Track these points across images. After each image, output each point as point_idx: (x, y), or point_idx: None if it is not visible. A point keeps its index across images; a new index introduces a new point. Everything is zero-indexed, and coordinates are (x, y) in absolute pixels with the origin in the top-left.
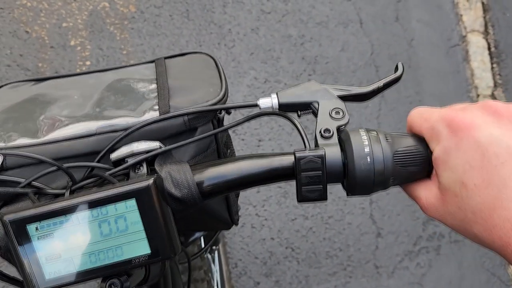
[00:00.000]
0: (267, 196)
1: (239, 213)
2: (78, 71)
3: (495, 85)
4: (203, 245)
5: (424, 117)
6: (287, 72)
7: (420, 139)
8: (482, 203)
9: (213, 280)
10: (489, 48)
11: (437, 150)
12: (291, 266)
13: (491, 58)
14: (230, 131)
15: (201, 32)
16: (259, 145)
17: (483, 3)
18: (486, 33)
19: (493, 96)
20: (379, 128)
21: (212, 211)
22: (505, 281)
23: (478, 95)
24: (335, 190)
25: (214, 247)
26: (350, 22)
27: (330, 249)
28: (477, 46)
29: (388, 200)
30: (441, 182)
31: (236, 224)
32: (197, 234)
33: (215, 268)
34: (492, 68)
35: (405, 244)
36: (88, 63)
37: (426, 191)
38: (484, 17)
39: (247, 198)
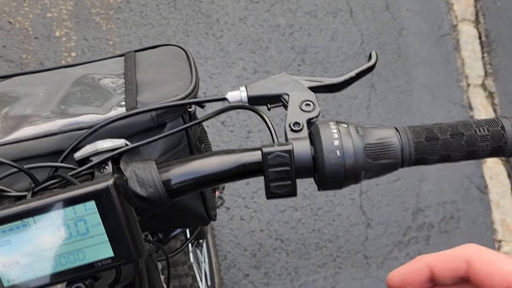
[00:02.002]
0: (256, 188)
1: (228, 206)
2: (45, 67)
3: (486, 74)
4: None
5: None
6: (276, 62)
7: (393, 131)
8: None
9: (201, 273)
10: (480, 37)
11: None
12: (281, 258)
13: (482, 47)
14: (218, 122)
15: (189, 22)
16: (248, 136)
17: None
18: (477, 22)
19: (483, 86)
20: (369, 121)
21: (186, 207)
22: None
23: (468, 85)
24: None
25: (201, 240)
26: (339, 11)
27: (319, 240)
28: (468, 35)
29: (378, 191)
30: None
31: (214, 220)
32: (177, 230)
33: (203, 260)
34: (483, 57)
35: (394, 234)
36: (73, 54)
37: None
38: (475, 6)
39: (236, 190)
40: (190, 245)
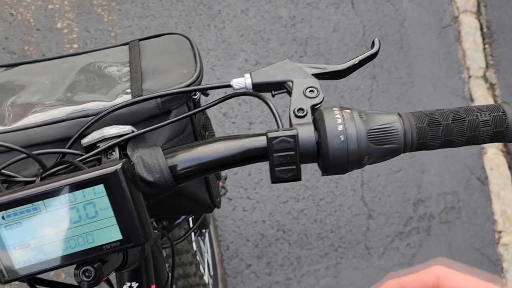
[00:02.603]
0: (258, 179)
1: (230, 197)
2: (51, 56)
3: (487, 66)
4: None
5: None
6: (277, 54)
7: (395, 117)
8: None
9: (204, 262)
10: (481, 29)
11: None
12: (283, 248)
13: (483, 38)
14: (220, 114)
15: (190, 13)
16: (250, 128)
17: None
18: (478, 13)
19: (484, 77)
20: (371, 108)
21: (191, 194)
22: (494, 261)
23: (470, 76)
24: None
25: (203, 230)
26: (341, 2)
27: (321, 230)
28: (470, 26)
29: (379, 182)
30: None
31: (218, 207)
32: (182, 218)
33: (206, 250)
34: (484, 49)
35: (395, 225)
36: (75, 45)
37: None
38: None
39: (238, 181)
40: (193, 234)
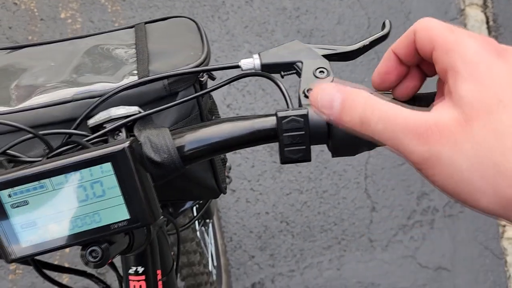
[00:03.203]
0: (262, 170)
1: (234, 188)
2: (56, 38)
3: None
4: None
5: (451, 28)
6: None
7: None
8: None
9: (208, 251)
10: (487, 22)
11: (460, 63)
12: (286, 240)
13: (489, 32)
14: (224, 105)
15: (194, 4)
16: None
17: None
18: (484, 6)
19: None
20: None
21: (198, 178)
22: (498, 254)
23: None
24: (330, 165)
25: (207, 220)
26: None
27: (324, 223)
28: (476, 19)
29: (383, 175)
30: (464, 98)
31: (224, 193)
32: (187, 205)
33: (209, 241)
34: None
35: (399, 218)
36: None
37: (436, 112)
38: None
39: (242, 172)
40: (197, 223)
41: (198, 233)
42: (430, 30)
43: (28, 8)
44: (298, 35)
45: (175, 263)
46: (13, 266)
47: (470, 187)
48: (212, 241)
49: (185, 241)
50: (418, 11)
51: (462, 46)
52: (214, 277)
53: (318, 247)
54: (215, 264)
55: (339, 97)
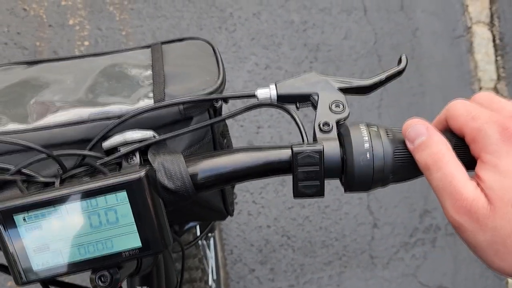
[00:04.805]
0: (264, 183)
1: (236, 201)
2: (72, 54)
3: (498, 78)
4: (198, 233)
5: (472, 115)
6: (288, 58)
7: None
8: None
9: (208, 266)
10: (494, 40)
11: (484, 153)
12: (287, 254)
13: (496, 50)
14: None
15: (202, 15)
16: (258, 131)
17: None
18: (491, 24)
19: (495, 89)
20: (380, 121)
21: (207, 202)
22: (499, 275)
23: (480, 88)
24: (333, 180)
25: (210, 234)
26: (354, 9)
27: (326, 238)
28: (482, 37)
29: (386, 192)
30: (489, 186)
31: (231, 215)
32: (192, 223)
33: (211, 254)
34: (496, 60)
35: (401, 235)
36: (86, 43)
37: (476, 192)
38: (490, 9)
39: (244, 185)
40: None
41: (200, 248)
42: (457, 119)
43: (37, 14)
44: (305, 48)
45: (179, 280)
46: None
47: (487, 256)
48: (213, 255)
49: (187, 257)
50: (425, 28)
51: (484, 137)
52: None
53: (319, 263)
54: (215, 277)
55: (424, 136)
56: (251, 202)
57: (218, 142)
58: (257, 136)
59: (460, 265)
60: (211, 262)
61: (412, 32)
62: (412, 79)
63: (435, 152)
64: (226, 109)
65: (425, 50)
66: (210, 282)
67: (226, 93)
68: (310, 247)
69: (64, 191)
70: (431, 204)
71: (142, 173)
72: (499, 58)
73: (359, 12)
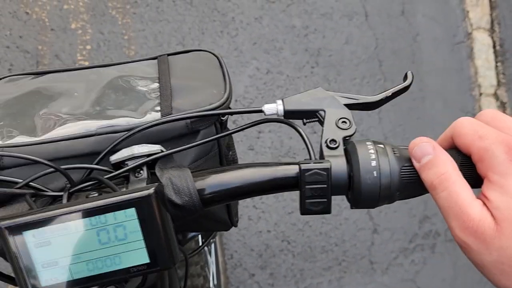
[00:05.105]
0: None
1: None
2: (79, 65)
3: (498, 84)
4: (200, 241)
5: (479, 134)
6: (289, 63)
7: None
8: None
9: (209, 272)
10: (494, 46)
11: (491, 172)
12: (286, 259)
13: (496, 56)
14: (230, 122)
15: (204, 19)
16: (258, 136)
17: (490, 0)
18: (492, 30)
19: (495, 95)
20: (380, 125)
21: (212, 214)
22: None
23: (481, 94)
24: None
25: (211, 240)
26: (355, 14)
27: (326, 243)
28: (482, 43)
29: None
30: (496, 206)
31: (236, 226)
32: (195, 232)
33: (211, 259)
34: (496, 66)
35: (400, 241)
36: (88, 47)
37: (482, 212)
38: (491, 15)
39: None
40: (201, 243)
41: (203, 255)
42: (463, 138)
43: (39, 17)
44: (306, 53)
45: None
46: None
47: (493, 276)
48: (214, 260)
49: (189, 264)
50: (426, 33)
51: (492, 156)
52: None
53: (318, 268)
54: (215, 282)
55: (431, 155)
56: (251, 207)
57: (224, 155)
58: (258, 141)
59: (459, 271)
60: (212, 267)
61: (412, 37)
62: (412, 84)
63: (442, 171)
64: (232, 119)
65: (426, 55)
66: (211, 287)
67: (233, 109)
68: (310, 252)
69: (73, 208)
70: (430, 210)
71: (151, 190)
72: (499, 64)
73: (360, 17)
